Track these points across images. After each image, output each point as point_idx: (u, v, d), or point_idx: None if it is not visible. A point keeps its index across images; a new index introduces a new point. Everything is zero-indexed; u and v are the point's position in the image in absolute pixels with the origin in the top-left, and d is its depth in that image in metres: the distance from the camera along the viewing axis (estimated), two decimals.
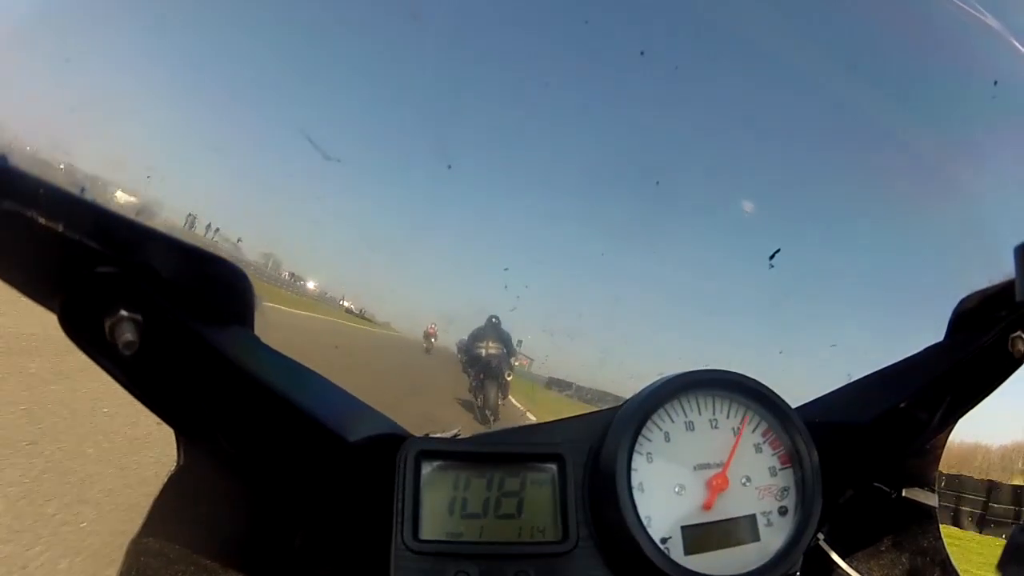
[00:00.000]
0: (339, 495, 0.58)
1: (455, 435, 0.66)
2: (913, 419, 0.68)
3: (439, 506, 0.60)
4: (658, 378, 0.65)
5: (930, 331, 0.73)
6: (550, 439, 0.65)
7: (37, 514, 2.88)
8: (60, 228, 0.40)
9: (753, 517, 0.62)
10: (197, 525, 0.60)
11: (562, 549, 0.60)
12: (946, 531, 0.77)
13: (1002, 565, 0.55)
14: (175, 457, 0.59)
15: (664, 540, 0.59)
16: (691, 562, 0.58)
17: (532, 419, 0.73)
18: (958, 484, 9.98)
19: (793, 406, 0.66)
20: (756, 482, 0.63)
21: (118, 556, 0.57)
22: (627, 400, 0.65)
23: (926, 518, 0.76)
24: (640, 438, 0.61)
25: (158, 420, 0.50)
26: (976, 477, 10.34)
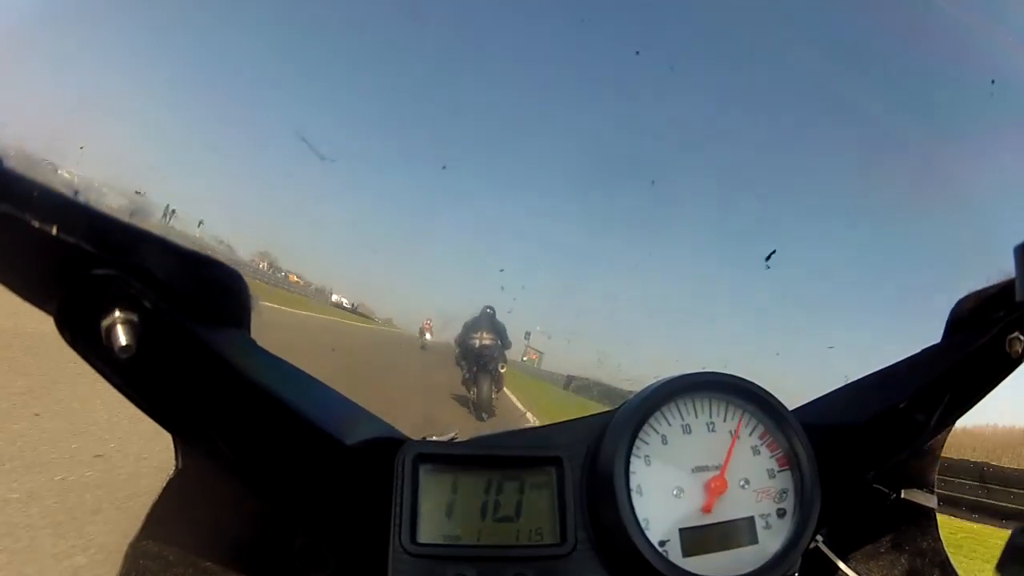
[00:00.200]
0: (337, 498, 0.58)
1: (452, 438, 0.66)
2: (911, 420, 0.68)
3: (437, 509, 0.59)
4: (655, 381, 0.65)
5: (928, 332, 0.73)
6: (548, 442, 0.65)
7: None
8: (55, 230, 0.40)
9: (751, 519, 0.62)
10: (195, 528, 0.60)
11: (560, 552, 0.59)
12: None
13: (1002, 565, 0.55)
14: (173, 460, 0.59)
15: (662, 542, 0.59)
16: (689, 564, 0.58)
17: (530, 421, 0.72)
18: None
19: (791, 408, 0.66)
20: (754, 484, 0.63)
21: (117, 559, 0.57)
22: (624, 403, 0.65)
23: (925, 519, 0.76)
24: (638, 441, 0.61)
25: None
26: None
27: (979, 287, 0.66)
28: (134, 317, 0.44)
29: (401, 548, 0.57)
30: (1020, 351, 0.64)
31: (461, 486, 0.61)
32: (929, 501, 0.75)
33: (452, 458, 0.62)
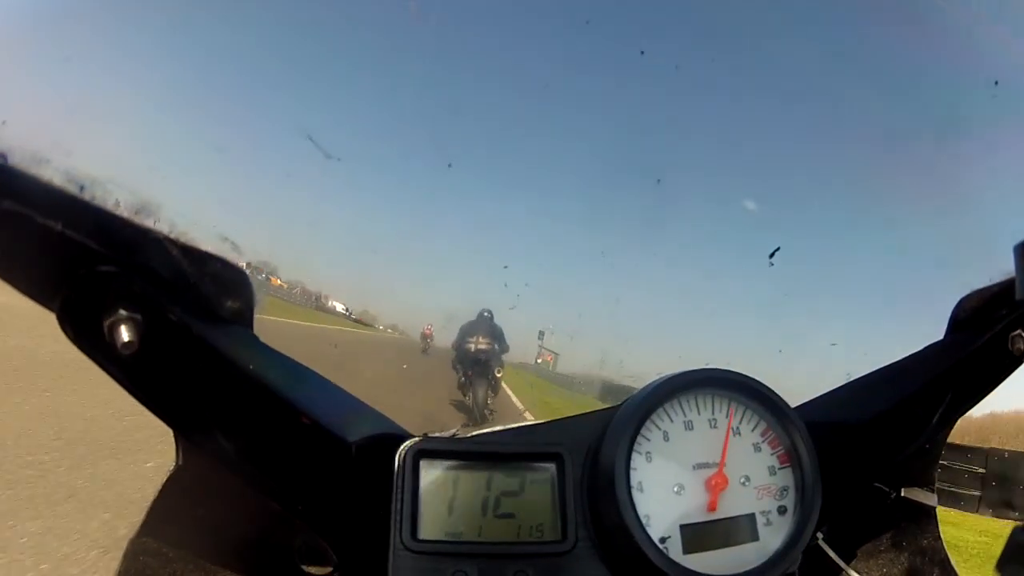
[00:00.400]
0: (338, 495, 0.58)
1: (454, 435, 0.66)
2: (913, 418, 0.68)
3: (438, 506, 0.60)
4: (657, 377, 0.65)
5: (930, 330, 0.72)
6: (549, 439, 0.65)
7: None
8: (59, 228, 0.40)
9: (752, 516, 0.62)
10: (196, 524, 0.60)
11: (561, 549, 0.60)
12: None
13: (1002, 565, 0.55)
14: (174, 457, 0.59)
15: (663, 539, 0.59)
16: (690, 561, 0.58)
17: (531, 419, 0.72)
18: None
19: (792, 405, 0.66)
20: (755, 481, 0.63)
21: (117, 555, 0.57)
22: (626, 399, 0.65)
23: (925, 518, 0.76)
24: (639, 437, 0.61)
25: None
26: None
27: (982, 285, 0.66)
28: (137, 314, 0.44)
29: (402, 544, 0.57)
30: (1022, 349, 0.64)
31: (462, 483, 0.61)
32: (929, 499, 0.75)
33: (453, 454, 0.62)
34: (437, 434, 0.65)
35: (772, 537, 0.62)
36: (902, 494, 0.75)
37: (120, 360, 0.44)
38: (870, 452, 0.70)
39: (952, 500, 6.95)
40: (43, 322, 0.44)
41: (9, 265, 0.43)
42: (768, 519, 0.62)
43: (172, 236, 0.46)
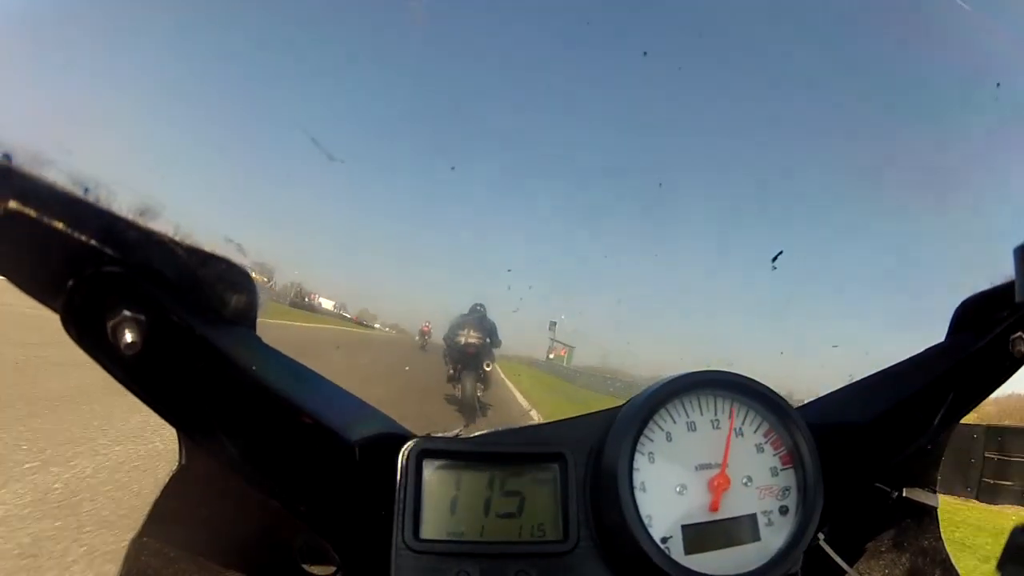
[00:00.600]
0: (340, 494, 0.58)
1: (456, 435, 0.66)
2: (914, 419, 0.68)
3: (440, 505, 0.60)
4: (660, 378, 0.65)
5: (931, 332, 0.73)
6: (552, 439, 0.65)
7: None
8: (63, 228, 0.41)
9: (754, 516, 0.62)
10: (198, 525, 0.60)
11: (563, 548, 0.60)
12: None
13: (1002, 565, 0.55)
14: (177, 456, 0.59)
15: (665, 539, 0.59)
16: (692, 561, 0.58)
17: (534, 418, 0.72)
18: None
19: (795, 406, 0.66)
20: (757, 482, 0.63)
21: (120, 554, 0.57)
22: (629, 400, 0.65)
23: (927, 518, 0.76)
24: (642, 438, 0.61)
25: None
26: None
27: (982, 287, 0.66)
28: (140, 315, 0.44)
29: (404, 544, 0.57)
30: (1023, 351, 0.64)
31: (464, 482, 0.61)
32: (931, 500, 0.75)
33: (456, 454, 0.62)
34: (440, 434, 0.65)
35: (774, 537, 0.62)
36: (904, 495, 0.75)
37: (123, 361, 0.44)
38: (872, 453, 0.70)
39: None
40: None
41: (13, 266, 0.43)
42: (770, 519, 0.63)
43: (176, 237, 0.46)
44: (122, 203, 0.43)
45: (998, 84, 0.83)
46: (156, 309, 0.44)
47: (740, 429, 0.65)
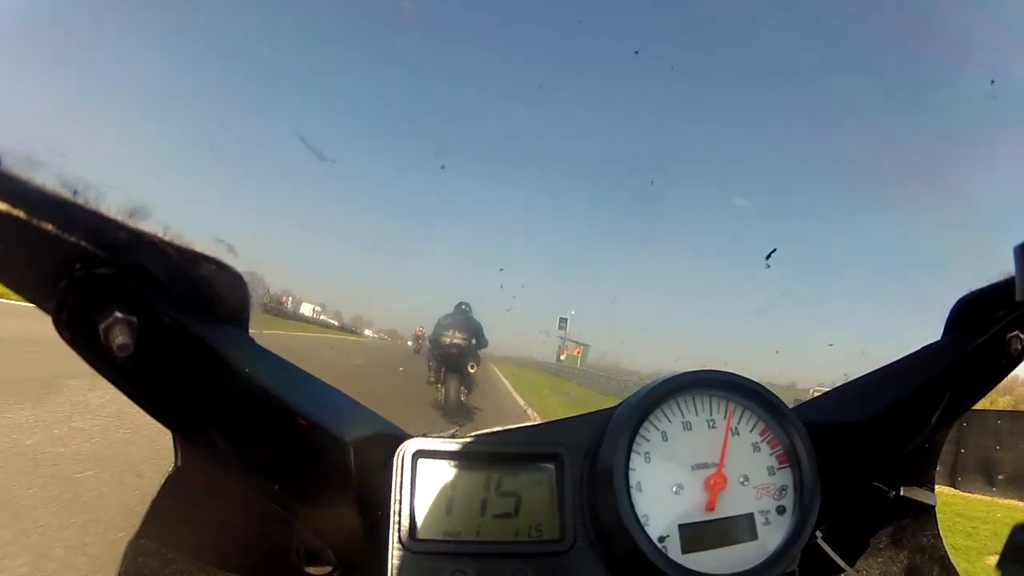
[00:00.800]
0: (336, 495, 0.58)
1: (452, 435, 0.66)
2: (911, 418, 0.68)
3: (436, 505, 0.59)
4: (656, 378, 0.65)
5: (928, 330, 0.73)
6: (548, 439, 0.65)
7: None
8: (54, 230, 0.40)
9: (751, 516, 0.62)
10: (195, 526, 0.60)
11: (560, 548, 0.60)
12: None
13: (1002, 564, 0.55)
14: (172, 458, 0.59)
15: (662, 539, 0.59)
16: (689, 561, 0.58)
17: (531, 419, 0.72)
18: None
19: (791, 405, 0.66)
20: (754, 481, 0.63)
21: (116, 556, 0.57)
22: (625, 400, 0.65)
23: (924, 516, 0.76)
24: (638, 438, 0.61)
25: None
26: None
27: (979, 286, 0.66)
28: (132, 316, 0.44)
29: (400, 544, 0.57)
30: (1020, 349, 0.64)
31: (461, 482, 0.61)
32: (928, 499, 0.75)
33: (451, 454, 0.62)
34: (436, 434, 0.65)
35: (771, 536, 0.62)
36: (901, 493, 0.75)
37: (116, 362, 0.44)
38: (869, 452, 0.70)
39: None
40: None
41: (4, 268, 0.43)
42: (767, 518, 0.63)
43: (167, 238, 0.46)
44: (113, 204, 0.42)
45: (992, 81, 0.83)
46: (148, 310, 0.44)
47: (736, 428, 0.65)
